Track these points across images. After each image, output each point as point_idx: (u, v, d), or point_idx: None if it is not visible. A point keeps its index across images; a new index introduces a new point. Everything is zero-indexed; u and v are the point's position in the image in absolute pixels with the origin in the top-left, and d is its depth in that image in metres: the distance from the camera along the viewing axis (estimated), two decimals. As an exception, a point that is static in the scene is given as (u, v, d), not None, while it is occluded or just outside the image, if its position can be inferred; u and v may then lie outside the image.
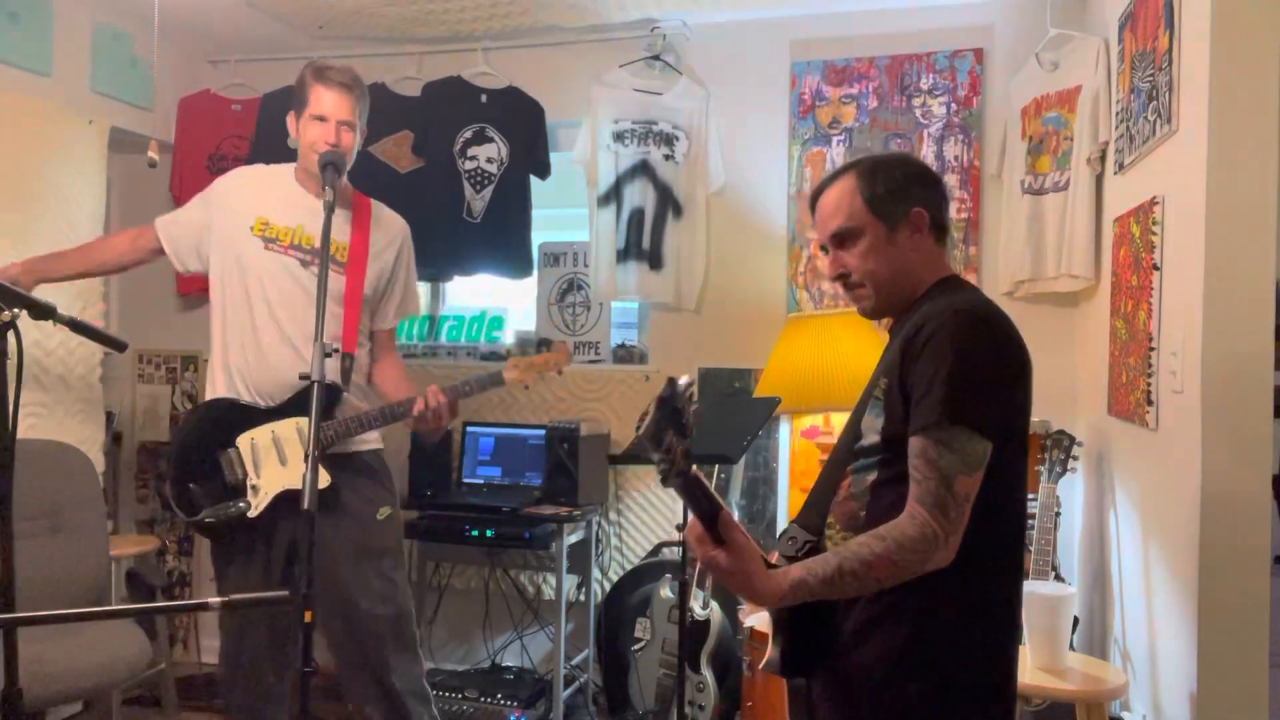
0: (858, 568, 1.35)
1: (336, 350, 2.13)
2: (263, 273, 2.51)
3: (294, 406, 2.46)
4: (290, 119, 2.57)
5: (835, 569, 1.35)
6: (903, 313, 1.60)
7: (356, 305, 2.57)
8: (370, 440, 2.63)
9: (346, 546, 2.50)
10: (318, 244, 2.43)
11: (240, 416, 2.48)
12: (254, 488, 2.42)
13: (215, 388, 2.54)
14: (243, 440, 2.45)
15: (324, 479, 2.39)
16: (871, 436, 1.50)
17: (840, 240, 1.58)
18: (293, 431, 2.45)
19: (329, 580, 2.48)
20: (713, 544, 1.36)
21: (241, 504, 2.40)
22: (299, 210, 2.53)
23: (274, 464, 2.44)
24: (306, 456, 1.91)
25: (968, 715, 1.46)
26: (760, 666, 1.63)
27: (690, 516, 1.38)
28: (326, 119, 2.47)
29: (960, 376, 1.38)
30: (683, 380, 1.26)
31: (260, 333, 2.49)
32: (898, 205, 1.55)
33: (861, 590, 1.38)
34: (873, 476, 1.49)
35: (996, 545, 1.47)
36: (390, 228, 2.70)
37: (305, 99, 2.50)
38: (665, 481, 1.28)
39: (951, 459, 1.36)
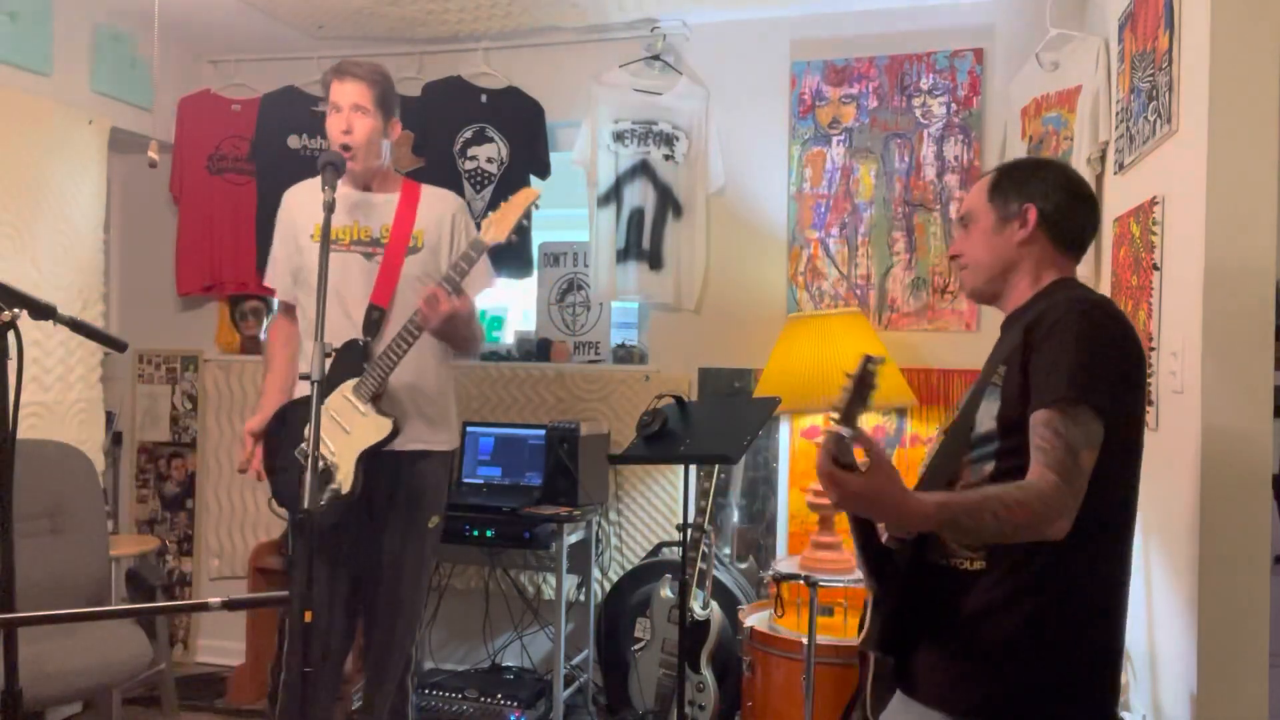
0: (1000, 509, 1.39)
1: (336, 350, 2.15)
2: (330, 273, 2.55)
3: (333, 379, 2.51)
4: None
5: (978, 504, 1.40)
6: (1012, 305, 1.69)
7: (394, 266, 2.62)
8: (441, 442, 2.69)
9: (395, 544, 2.61)
10: (375, 233, 2.62)
11: (301, 410, 2.52)
12: (335, 466, 2.48)
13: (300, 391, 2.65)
14: (309, 430, 2.49)
15: (384, 426, 2.49)
16: (988, 424, 1.56)
17: (963, 223, 1.73)
18: (341, 400, 2.52)
19: (383, 575, 2.62)
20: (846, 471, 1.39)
21: (332, 487, 2.46)
22: (347, 206, 2.59)
23: (341, 436, 2.50)
24: (311, 453, 1.93)
25: (1095, 684, 1.54)
26: (859, 646, 1.71)
27: (822, 454, 1.40)
28: (340, 108, 2.53)
29: (1087, 359, 1.46)
30: (876, 360, 1.40)
31: (337, 332, 2.55)
32: (1012, 200, 1.65)
33: (995, 534, 1.42)
34: (990, 467, 1.53)
35: (1123, 528, 1.55)
36: (437, 207, 2.70)
37: (327, 97, 2.57)
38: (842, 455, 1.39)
39: (1077, 432, 1.42)
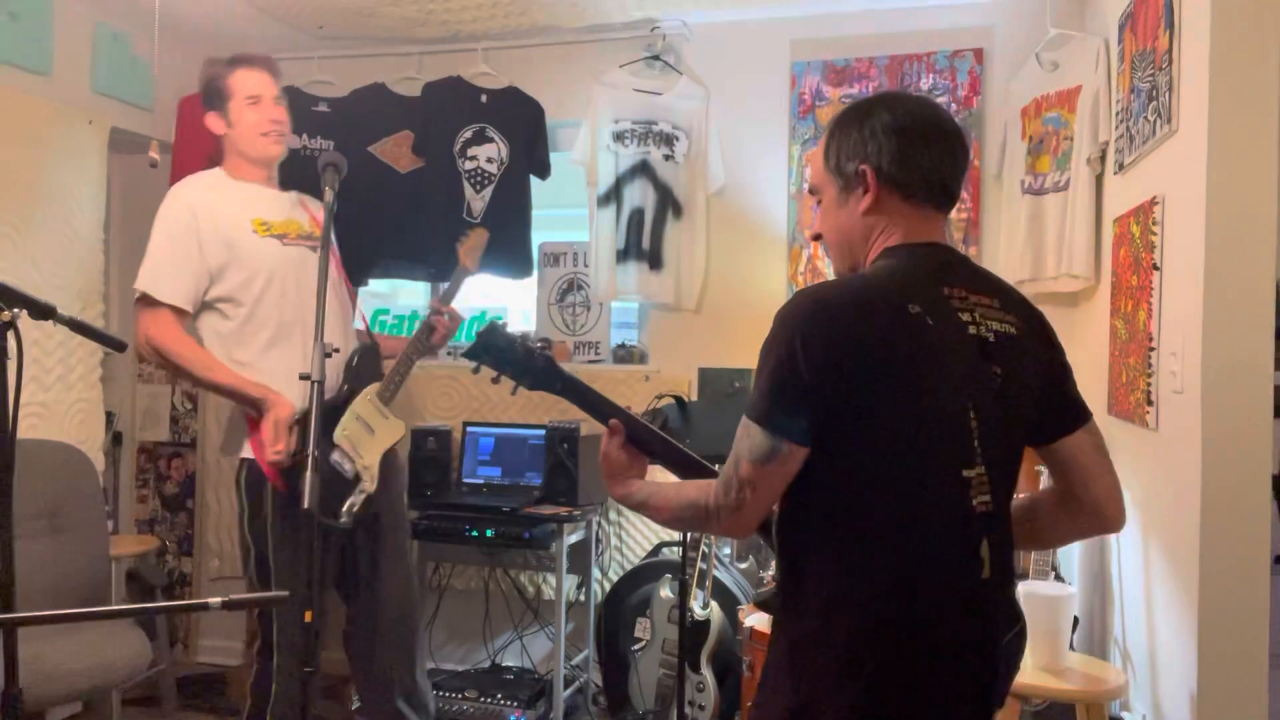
0: (656, 501, 1.48)
1: (336, 350, 2.15)
2: (289, 267, 2.55)
3: (355, 381, 2.57)
4: (211, 119, 2.58)
5: (647, 496, 1.50)
6: None
7: (340, 265, 2.71)
8: None
9: (386, 536, 2.66)
10: (306, 227, 2.63)
11: (332, 412, 2.54)
12: (366, 468, 2.54)
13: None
14: (338, 437, 2.53)
15: (400, 428, 2.62)
16: None
17: (815, 197, 1.50)
18: (367, 404, 2.56)
19: (379, 563, 2.66)
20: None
21: (363, 487, 2.52)
22: (274, 204, 2.60)
23: (368, 439, 2.55)
24: (310, 453, 1.93)
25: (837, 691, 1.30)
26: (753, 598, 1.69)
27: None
28: (260, 98, 2.52)
29: (763, 370, 1.31)
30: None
31: (295, 327, 2.53)
32: (848, 162, 1.40)
33: (661, 523, 1.54)
34: None
35: (840, 537, 1.31)
36: (312, 205, 2.77)
37: (228, 90, 2.53)
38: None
39: (744, 444, 1.32)
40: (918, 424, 1.28)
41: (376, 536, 2.65)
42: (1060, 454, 1.46)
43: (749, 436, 1.31)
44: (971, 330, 1.34)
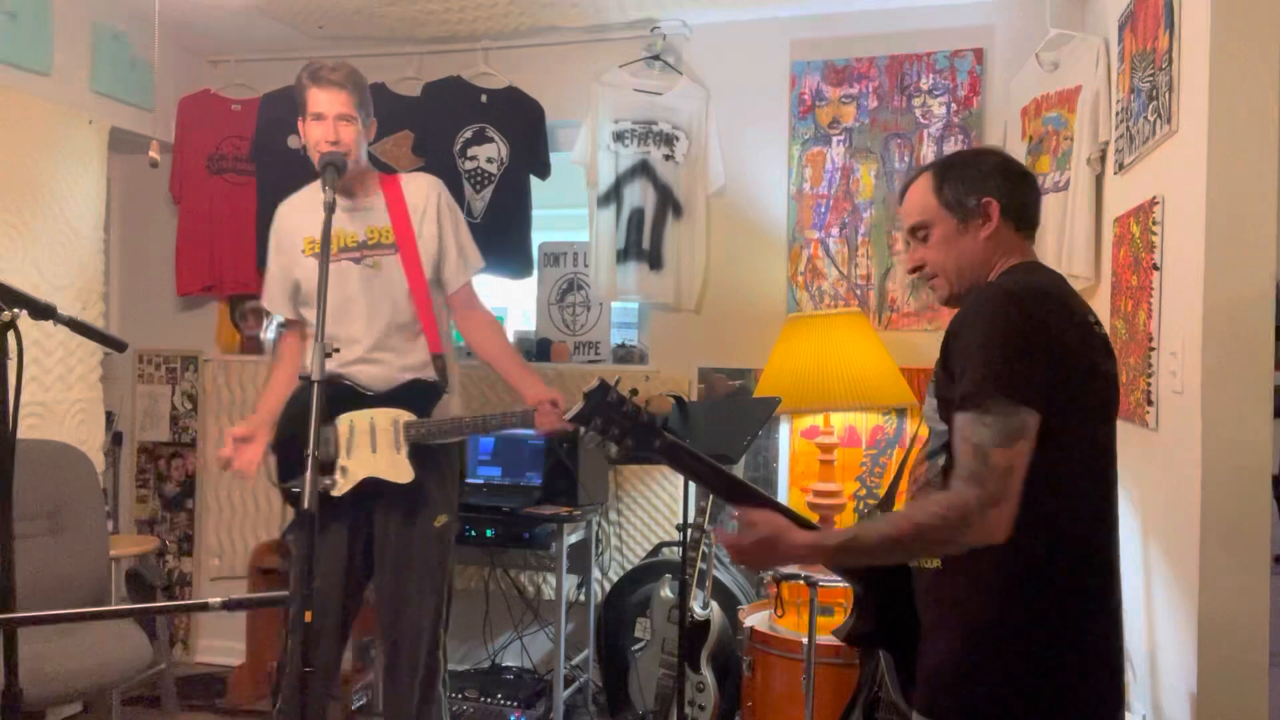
0: (871, 537, 1.46)
1: (336, 350, 2.13)
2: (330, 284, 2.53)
3: (397, 399, 2.52)
4: (299, 124, 2.59)
5: (849, 538, 1.49)
6: None
7: (426, 294, 2.61)
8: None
9: (396, 545, 2.59)
10: (361, 237, 2.59)
11: (347, 397, 2.52)
12: (343, 469, 2.47)
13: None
14: (342, 420, 2.50)
15: (405, 474, 2.49)
16: (932, 422, 1.57)
17: (917, 233, 1.67)
18: (389, 422, 2.50)
19: (386, 574, 2.59)
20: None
21: (328, 481, 2.44)
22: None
23: (365, 449, 2.49)
24: (311, 452, 1.92)
25: (1064, 694, 1.44)
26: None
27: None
28: (324, 116, 2.50)
29: (991, 348, 1.42)
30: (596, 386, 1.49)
31: (343, 343, 2.52)
32: (967, 198, 1.61)
33: (905, 557, 1.50)
34: (943, 461, 1.51)
35: (1078, 530, 1.50)
36: (421, 192, 2.69)
37: (304, 102, 2.53)
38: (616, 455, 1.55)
39: (985, 432, 1.38)
40: (1097, 392, 1.52)
41: (381, 557, 2.60)
42: None
43: (987, 425, 1.39)
44: (1097, 329, 1.57)
